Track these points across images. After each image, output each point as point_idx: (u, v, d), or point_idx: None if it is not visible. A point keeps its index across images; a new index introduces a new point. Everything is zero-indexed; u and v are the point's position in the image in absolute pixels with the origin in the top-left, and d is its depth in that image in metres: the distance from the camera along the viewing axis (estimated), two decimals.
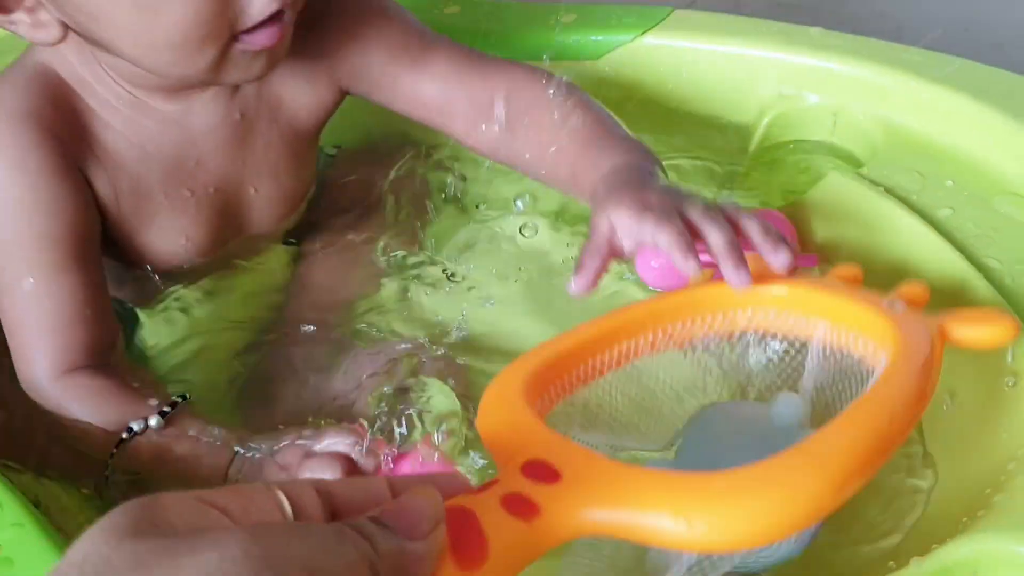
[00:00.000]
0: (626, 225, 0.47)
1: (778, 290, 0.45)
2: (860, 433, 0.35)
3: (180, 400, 0.51)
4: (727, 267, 0.44)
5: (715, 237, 0.45)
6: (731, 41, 0.66)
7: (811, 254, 0.54)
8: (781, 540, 0.38)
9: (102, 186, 0.56)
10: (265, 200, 0.62)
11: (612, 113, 0.58)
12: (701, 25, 0.67)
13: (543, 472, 0.34)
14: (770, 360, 0.46)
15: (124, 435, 0.50)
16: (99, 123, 0.55)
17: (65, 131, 0.54)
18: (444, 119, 0.61)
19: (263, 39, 0.51)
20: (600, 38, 0.68)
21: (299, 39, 0.55)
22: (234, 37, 0.50)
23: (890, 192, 0.55)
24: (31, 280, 0.53)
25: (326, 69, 0.61)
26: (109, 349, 0.55)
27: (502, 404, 0.39)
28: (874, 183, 0.55)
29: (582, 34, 0.69)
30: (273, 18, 0.50)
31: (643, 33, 0.67)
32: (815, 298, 0.45)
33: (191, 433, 0.50)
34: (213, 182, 0.59)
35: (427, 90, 0.60)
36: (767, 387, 0.47)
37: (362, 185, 0.69)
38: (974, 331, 0.42)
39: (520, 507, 0.32)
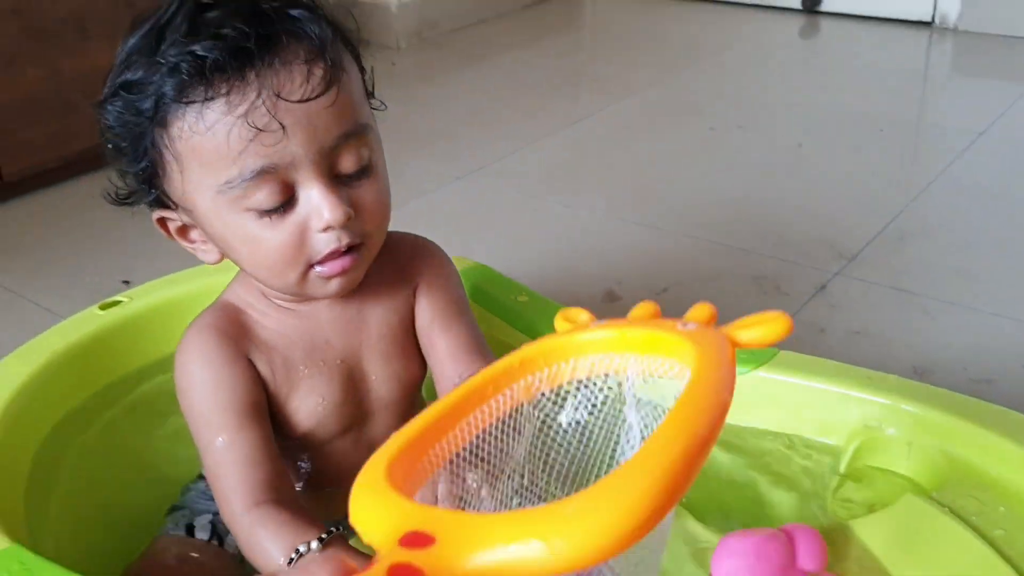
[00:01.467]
0: None
1: (590, 335, 0.51)
2: (681, 436, 0.39)
3: (334, 530, 0.66)
4: None
5: None
6: (824, 380, 0.83)
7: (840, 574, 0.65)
8: (636, 543, 0.39)
9: (262, 367, 0.74)
10: (381, 378, 0.78)
11: None
12: (801, 365, 0.85)
13: (419, 540, 0.37)
14: (594, 405, 0.51)
15: (292, 555, 0.64)
16: (258, 325, 0.75)
17: (235, 332, 0.74)
18: (435, 369, 0.79)
19: (332, 269, 0.69)
20: None
21: (387, 260, 0.75)
22: (311, 265, 0.68)
23: (954, 512, 0.69)
24: (220, 439, 0.71)
25: (405, 289, 0.79)
26: (282, 485, 0.72)
27: (369, 495, 0.41)
28: (941, 504, 0.70)
29: None
30: (344, 251, 0.68)
31: (756, 367, 0.85)
32: (623, 336, 0.50)
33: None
34: (339, 356, 0.77)
35: (440, 345, 0.78)
36: (598, 430, 0.52)
37: None
38: (756, 332, 0.48)
39: (406, 574, 0.36)
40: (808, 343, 1.28)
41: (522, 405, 0.51)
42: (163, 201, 0.70)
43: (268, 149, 0.63)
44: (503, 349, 0.97)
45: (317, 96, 0.63)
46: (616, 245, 1.58)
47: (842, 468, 0.80)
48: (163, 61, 0.63)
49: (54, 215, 1.73)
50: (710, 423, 0.42)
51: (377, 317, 0.78)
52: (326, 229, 0.66)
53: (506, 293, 1.00)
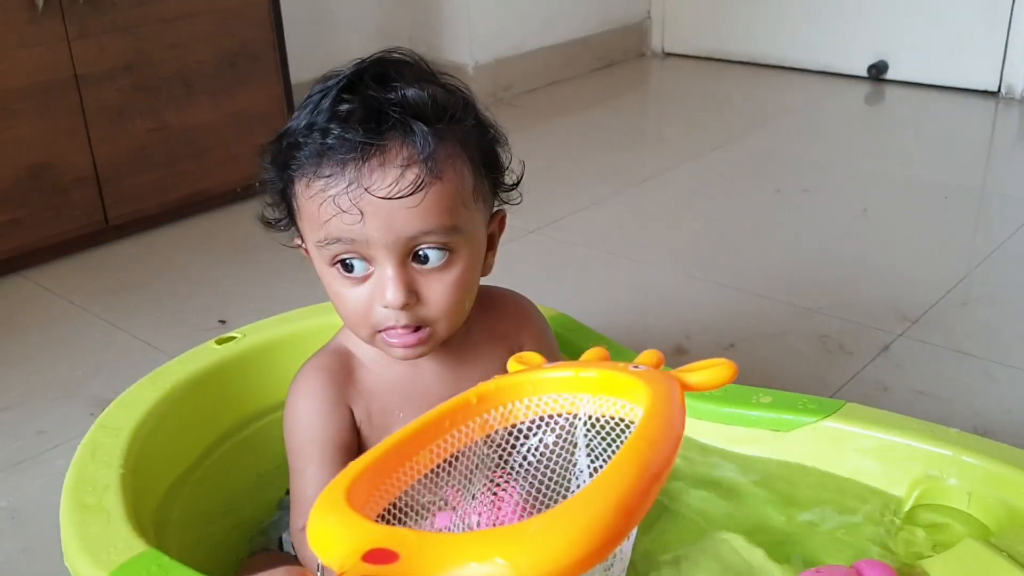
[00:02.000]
0: None
1: (546, 375, 0.53)
2: (636, 466, 0.41)
3: None
4: None
5: None
6: (889, 432, 0.88)
7: None
8: (597, 564, 0.41)
9: (359, 411, 0.81)
10: None
11: None
12: (866, 417, 0.90)
13: (383, 556, 0.38)
14: (545, 445, 0.53)
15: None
16: (363, 369, 0.83)
17: (342, 376, 0.82)
18: None
19: (394, 340, 0.76)
20: (790, 417, 0.92)
21: (492, 316, 0.83)
22: (377, 330, 0.76)
23: (1012, 558, 0.74)
24: (309, 469, 0.79)
25: (507, 347, 0.85)
26: None
27: (328, 516, 0.42)
28: (1000, 549, 0.75)
29: (776, 412, 0.93)
30: (406, 327, 0.74)
31: (823, 418, 0.91)
32: (577, 376, 0.52)
33: None
34: (437, 401, 0.83)
35: None
36: (546, 468, 0.54)
37: None
38: (702, 376, 0.51)
39: None
40: (872, 400, 1.31)
41: (476, 442, 0.53)
42: (298, 231, 0.80)
43: (347, 227, 0.72)
44: None
45: (401, 197, 0.71)
46: (684, 302, 1.64)
47: (904, 513, 0.85)
48: (298, 135, 0.75)
49: (155, 257, 1.85)
50: (663, 455, 0.45)
51: (480, 370, 0.83)
52: (386, 307, 0.74)
53: (586, 341, 1.07)
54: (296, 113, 0.77)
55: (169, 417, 0.93)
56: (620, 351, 1.05)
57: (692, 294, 1.66)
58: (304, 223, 0.77)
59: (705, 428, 0.95)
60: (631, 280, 1.73)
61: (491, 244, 0.82)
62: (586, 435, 0.54)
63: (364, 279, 0.75)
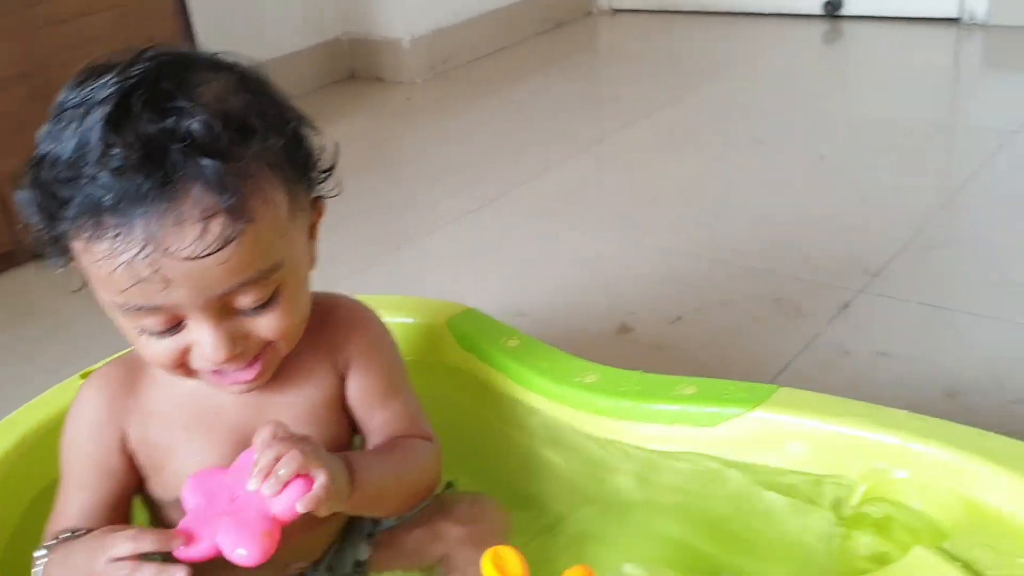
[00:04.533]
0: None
1: None
2: None
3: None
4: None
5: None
6: (829, 420, 0.77)
7: None
8: None
9: (136, 431, 0.73)
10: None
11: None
12: (802, 403, 0.79)
13: None
14: None
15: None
16: (150, 383, 0.73)
17: (122, 392, 0.73)
18: (364, 432, 0.77)
19: (226, 381, 0.68)
20: (716, 410, 0.81)
21: (313, 331, 0.72)
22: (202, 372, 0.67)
23: (967, 567, 0.62)
24: (70, 488, 0.73)
25: (332, 361, 0.75)
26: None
27: None
28: (954, 557, 0.63)
29: (700, 405, 0.82)
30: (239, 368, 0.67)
31: (753, 408, 0.79)
32: None
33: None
34: (232, 421, 0.73)
35: (374, 423, 0.76)
36: None
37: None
38: None
39: None
40: (832, 366, 1.21)
41: None
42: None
43: (151, 295, 0.61)
44: (494, 398, 0.93)
45: (208, 255, 0.60)
46: (631, 273, 1.52)
47: (846, 516, 0.73)
48: (65, 173, 0.61)
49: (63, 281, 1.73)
50: None
51: (294, 390, 0.74)
52: (208, 361, 0.66)
53: (495, 339, 0.95)
54: (51, 128, 0.62)
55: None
56: (531, 345, 0.93)
57: (639, 264, 1.55)
58: (93, 283, 0.65)
59: (619, 427, 0.84)
60: (576, 253, 1.61)
61: (312, 234, 0.72)
62: None
63: (174, 332, 0.65)
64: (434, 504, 0.79)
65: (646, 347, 1.30)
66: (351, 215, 1.74)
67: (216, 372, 0.67)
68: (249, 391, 0.70)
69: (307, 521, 0.63)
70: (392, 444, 0.75)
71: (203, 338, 0.64)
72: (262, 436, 0.64)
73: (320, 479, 0.62)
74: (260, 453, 0.63)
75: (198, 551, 0.62)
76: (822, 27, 2.70)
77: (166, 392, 0.73)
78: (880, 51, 2.49)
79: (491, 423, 0.93)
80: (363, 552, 0.79)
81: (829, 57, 2.61)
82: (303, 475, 0.62)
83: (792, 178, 1.80)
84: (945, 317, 1.29)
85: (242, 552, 0.61)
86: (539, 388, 0.90)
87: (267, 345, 0.68)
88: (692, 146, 2.02)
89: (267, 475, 0.62)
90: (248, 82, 0.66)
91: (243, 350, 0.66)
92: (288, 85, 0.71)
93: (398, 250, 1.69)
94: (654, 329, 1.34)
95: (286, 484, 0.62)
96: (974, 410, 1.09)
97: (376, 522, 0.80)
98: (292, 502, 0.61)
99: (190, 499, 0.65)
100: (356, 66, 2.64)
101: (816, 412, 0.77)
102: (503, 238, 1.70)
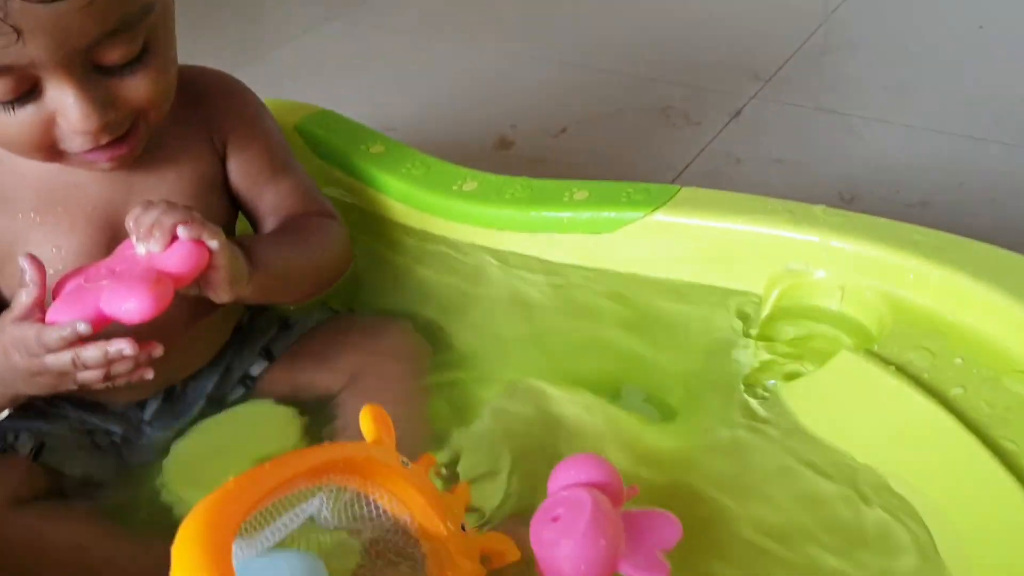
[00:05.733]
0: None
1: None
2: None
3: None
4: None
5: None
6: (737, 219, 0.68)
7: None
8: None
9: None
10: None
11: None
12: (708, 202, 0.70)
13: None
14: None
15: None
16: None
17: None
18: (256, 216, 0.70)
19: (97, 156, 0.58)
20: (612, 215, 0.71)
21: (184, 105, 0.64)
22: (66, 152, 0.58)
23: (901, 370, 0.55)
24: None
25: (207, 137, 0.67)
26: None
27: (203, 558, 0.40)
28: (885, 361, 0.56)
29: (594, 211, 0.72)
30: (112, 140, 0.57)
31: (653, 211, 0.70)
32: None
33: None
34: (94, 200, 0.63)
35: (267, 199, 0.69)
36: None
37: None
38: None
39: None
40: (724, 176, 1.14)
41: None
42: None
43: (1, 51, 0.52)
44: (358, 214, 0.81)
45: None
46: (512, 86, 1.40)
47: (760, 323, 0.66)
48: None
49: None
50: None
51: (167, 168, 0.65)
52: (75, 133, 0.57)
53: (357, 144, 0.82)
54: None
55: None
56: (398, 151, 0.81)
57: (520, 75, 1.43)
58: None
59: (504, 239, 0.73)
60: (451, 65, 1.48)
61: None
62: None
63: (28, 102, 0.55)
64: (342, 322, 0.74)
65: (528, 161, 1.20)
66: (189, 27, 1.54)
67: (89, 153, 0.58)
68: (116, 168, 0.61)
69: (200, 311, 0.59)
70: (290, 224, 0.69)
71: (67, 103, 0.55)
72: (135, 210, 0.57)
73: (214, 243, 0.56)
74: (137, 218, 0.56)
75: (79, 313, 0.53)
76: None
77: (8, 168, 0.62)
78: None
79: (354, 242, 0.81)
80: (256, 366, 0.71)
81: None
82: (195, 241, 0.55)
83: None
84: (839, 122, 1.23)
85: (130, 306, 0.52)
86: (410, 199, 0.78)
87: (138, 116, 0.59)
88: None
89: (150, 232, 0.55)
90: None
91: (115, 118, 0.57)
92: None
93: (247, 64, 1.51)
94: (536, 142, 1.24)
95: (174, 241, 0.55)
96: (871, 214, 1.04)
97: (274, 337, 0.73)
98: (184, 256, 0.54)
99: (63, 286, 0.57)
100: None
101: (724, 211, 0.69)
102: (365, 50, 1.54)
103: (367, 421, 0.53)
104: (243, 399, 0.70)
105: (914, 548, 0.52)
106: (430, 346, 0.71)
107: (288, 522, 0.47)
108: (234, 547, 0.43)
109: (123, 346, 0.53)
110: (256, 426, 0.67)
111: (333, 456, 0.50)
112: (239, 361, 0.71)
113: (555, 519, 0.49)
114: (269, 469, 0.46)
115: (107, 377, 0.55)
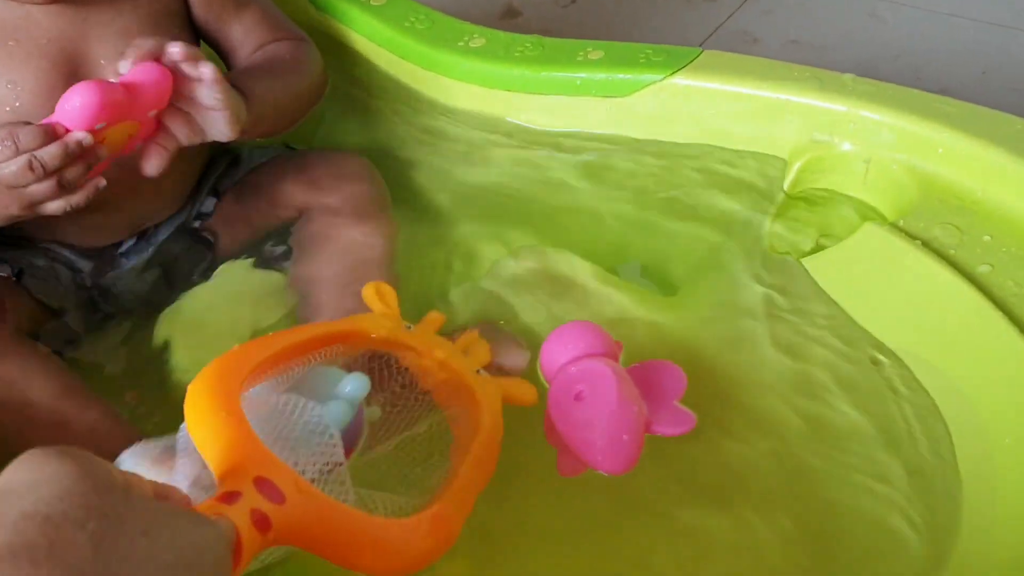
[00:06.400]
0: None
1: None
2: (480, 476, 0.45)
3: None
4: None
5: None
6: (762, 85, 0.64)
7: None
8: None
9: None
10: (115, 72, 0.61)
11: None
12: (731, 66, 0.66)
13: (272, 492, 0.38)
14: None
15: None
16: None
17: None
18: (229, 57, 0.67)
19: None
20: (629, 76, 0.67)
21: None
22: None
23: (927, 246, 0.53)
24: None
25: None
26: None
27: (215, 411, 0.40)
28: (911, 236, 0.54)
29: (610, 72, 0.68)
30: None
31: (673, 73, 0.66)
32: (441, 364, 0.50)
33: None
34: (45, 35, 0.59)
35: (236, 31, 0.66)
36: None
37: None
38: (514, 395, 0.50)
39: (261, 523, 0.37)
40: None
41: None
42: None
43: None
44: (358, 69, 0.77)
45: None
46: None
47: (783, 194, 0.63)
48: None
49: None
50: (492, 465, 0.48)
51: (121, 2, 0.62)
52: None
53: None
54: None
55: None
56: (400, 3, 0.76)
57: None
58: None
59: (519, 102, 0.69)
60: None
61: None
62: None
63: None
64: (293, 157, 0.71)
65: (535, 31, 1.14)
66: None
67: None
68: None
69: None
70: (268, 52, 0.66)
71: None
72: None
73: (207, 68, 0.53)
74: (128, 49, 0.53)
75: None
76: None
77: None
78: None
79: (356, 99, 0.77)
80: (207, 204, 0.69)
81: None
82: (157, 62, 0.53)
83: None
84: (863, 4, 1.18)
85: (75, 102, 0.50)
86: (412, 55, 0.74)
87: None
88: None
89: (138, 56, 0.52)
90: None
91: None
92: None
93: None
94: (545, 11, 1.19)
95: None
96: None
97: (224, 174, 0.70)
98: (147, 68, 0.52)
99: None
100: None
101: (748, 76, 0.65)
102: None
103: (371, 297, 0.53)
104: (202, 230, 0.68)
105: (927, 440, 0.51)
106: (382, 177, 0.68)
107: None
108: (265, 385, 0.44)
109: (81, 136, 0.50)
110: (243, 287, 0.65)
111: (341, 328, 0.50)
112: (198, 200, 0.70)
113: (578, 398, 0.48)
114: (276, 336, 0.47)
115: (61, 187, 0.52)
